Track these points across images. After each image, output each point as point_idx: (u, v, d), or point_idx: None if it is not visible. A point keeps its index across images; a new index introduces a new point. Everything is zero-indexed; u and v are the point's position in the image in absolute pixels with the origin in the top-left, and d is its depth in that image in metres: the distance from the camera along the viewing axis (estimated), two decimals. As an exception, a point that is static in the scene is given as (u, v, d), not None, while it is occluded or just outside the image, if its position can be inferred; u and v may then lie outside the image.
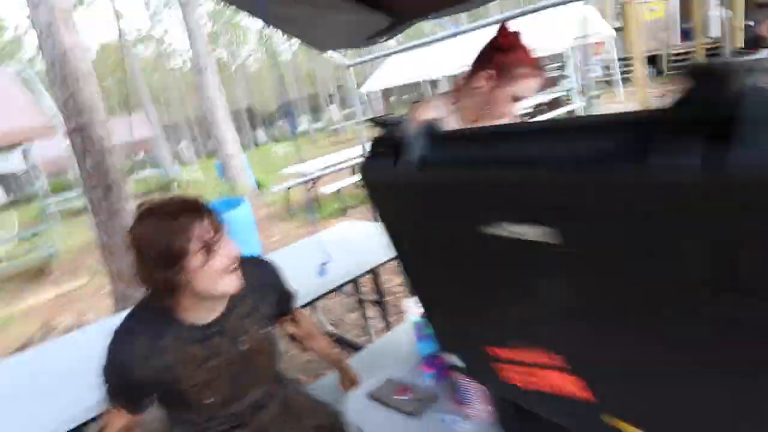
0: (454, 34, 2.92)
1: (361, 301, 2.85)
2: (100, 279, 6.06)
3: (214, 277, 1.09)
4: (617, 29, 13.87)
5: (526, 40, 1.27)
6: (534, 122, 0.73)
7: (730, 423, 0.45)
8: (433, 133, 0.54)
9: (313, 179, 7.30)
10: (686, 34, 12.28)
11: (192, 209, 1.09)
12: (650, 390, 0.49)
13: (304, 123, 30.97)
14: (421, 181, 0.54)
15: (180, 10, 8.64)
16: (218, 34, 32.53)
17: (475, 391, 0.98)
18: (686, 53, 11.31)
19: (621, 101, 10.43)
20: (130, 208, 3.58)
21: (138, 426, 1.25)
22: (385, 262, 2.20)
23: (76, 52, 3.40)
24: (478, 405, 0.98)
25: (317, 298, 2.00)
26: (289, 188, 7.50)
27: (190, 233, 1.06)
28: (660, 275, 0.40)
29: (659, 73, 11.62)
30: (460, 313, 0.68)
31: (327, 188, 6.83)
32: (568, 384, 0.56)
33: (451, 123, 1.37)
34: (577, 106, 9.39)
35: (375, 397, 1.13)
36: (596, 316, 0.49)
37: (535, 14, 2.40)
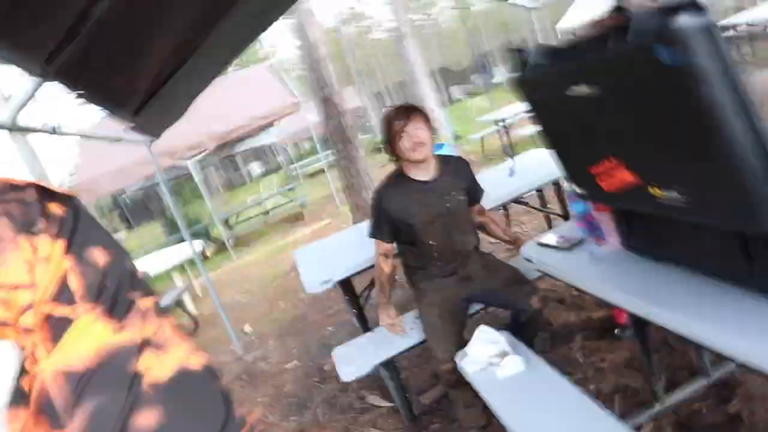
0: None
1: (548, 217, 3.30)
2: (339, 220, 7.72)
3: (406, 150, 1.86)
4: None
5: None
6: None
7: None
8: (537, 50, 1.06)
9: (505, 125, 7.64)
10: None
11: (401, 113, 1.88)
12: (661, 164, 0.95)
13: (498, 74, 30.40)
14: (535, 77, 1.09)
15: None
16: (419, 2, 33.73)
17: (606, 230, 1.45)
18: None
19: None
20: (361, 155, 4.68)
21: (391, 253, 2.06)
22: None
23: (319, 43, 4.55)
24: (610, 238, 1.45)
25: (510, 202, 2.60)
26: (482, 137, 8.03)
27: (394, 125, 1.88)
28: (647, 106, 0.87)
29: None
30: (574, 153, 1.20)
31: (521, 131, 7.10)
32: (627, 176, 1.04)
33: None
34: None
35: (542, 243, 1.68)
36: (628, 133, 0.97)
37: None
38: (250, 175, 29.79)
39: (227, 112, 7.58)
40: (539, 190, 3.11)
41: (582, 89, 0.98)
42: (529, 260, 1.70)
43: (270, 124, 10.06)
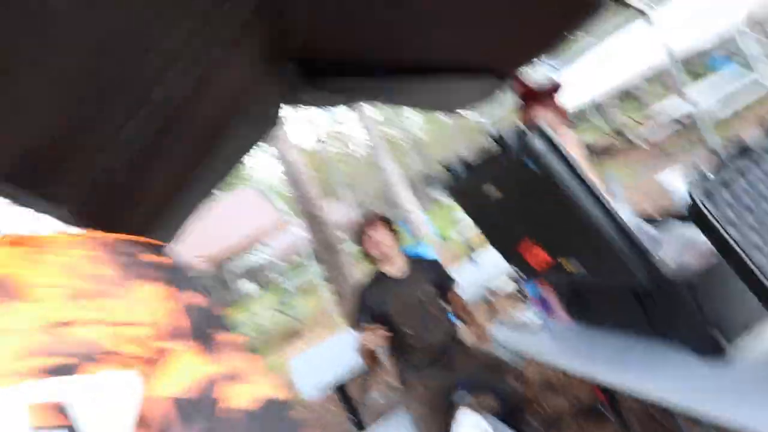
0: None
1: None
2: (336, 330, 7.73)
3: (374, 256, 2.22)
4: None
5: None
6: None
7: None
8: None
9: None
10: None
11: (364, 224, 2.24)
12: (558, 242, 1.21)
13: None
14: (460, 187, 1.39)
15: (356, 111, 10.80)
16: (390, 118, 36.64)
17: (554, 305, 1.67)
18: None
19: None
20: (348, 263, 4.95)
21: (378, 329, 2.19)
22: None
23: (298, 165, 5.06)
24: (558, 312, 1.66)
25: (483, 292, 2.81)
26: (467, 237, 8.43)
27: (361, 237, 2.24)
28: (534, 199, 1.16)
29: None
30: (502, 239, 1.47)
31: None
32: (543, 254, 1.30)
33: None
34: None
35: (508, 325, 1.88)
36: (531, 219, 1.25)
37: None
38: (241, 294, 29.59)
39: (213, 236, 7.96)
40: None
41: (492, 191, 1.27)
42: (501, 345, 1.88)
43: (259, 242, 10.49)
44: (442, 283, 2.33)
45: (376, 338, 2.06)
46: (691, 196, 0.82)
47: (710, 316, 1.05)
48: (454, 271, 2.45)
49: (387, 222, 2.27)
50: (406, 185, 10.31)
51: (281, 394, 0.65)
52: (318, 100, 2.47)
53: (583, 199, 1.03)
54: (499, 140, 1.12)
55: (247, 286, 29.85)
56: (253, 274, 33.01)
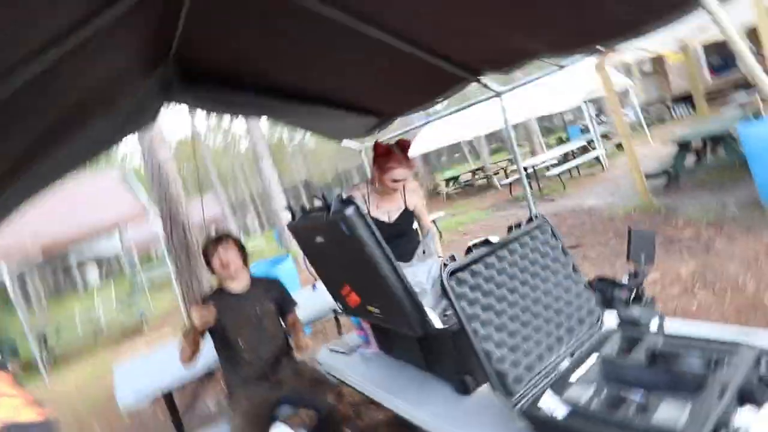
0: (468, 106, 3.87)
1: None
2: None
3: (218, 268, 2.32)
4: (645, 74, 14.65)
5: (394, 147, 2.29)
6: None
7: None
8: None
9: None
10: (717, 69, 12.90)
11: (214, 240, 2.35)
12: (366, 290, 1.47)
13: (357, 189, 32.87)
14: (298, 227, 1.60)
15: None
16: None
17: (370, 336, 1.94)
18: (718, 90, 11.72)
19: (650, 142, 11.03)
20: (206, 274, 4.83)
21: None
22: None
23: (167, 164, 4.86)
24: (372, 342, 1.94)
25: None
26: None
27: (210, 249, 2.32)
28: (348, 255, 1.40)
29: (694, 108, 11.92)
30: (329, 280, 1.70)
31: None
32: (356, 298, 1.55)
33: (371, 196, 2.41)
34: (600, 152, 10.21)
35: (332, 349, 2.10)
36: (347, 269, 1.49)
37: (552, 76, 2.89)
38: (85, 282, 26.42)
39: (63, 218, 7.13)
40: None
41: (320, 238, 1.49)
42: (321, 364, 2.10)
43: (113, 231, 9.57)
44: (282, 302, 2.50)
45: (204, 313, 2.12)
46: (441, 274, 1.11)
47: (463, 363, 1.37)
48: (301, 291, 2.63)
49: (236, 241, 2.39)
50: (282, 195, 10.30)
51: (36, 418, 0.65)
52: (197, 104, 2.46)
53: (382, 264, 1.29)
54: (323, 201, 1.34)
55: (93, 275, 26.75)
56: (102, 263, 29.66)
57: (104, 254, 9.35)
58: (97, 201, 7.86)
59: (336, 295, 1.74)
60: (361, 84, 2.71)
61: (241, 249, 2.42)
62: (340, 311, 1.82)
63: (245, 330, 2.31)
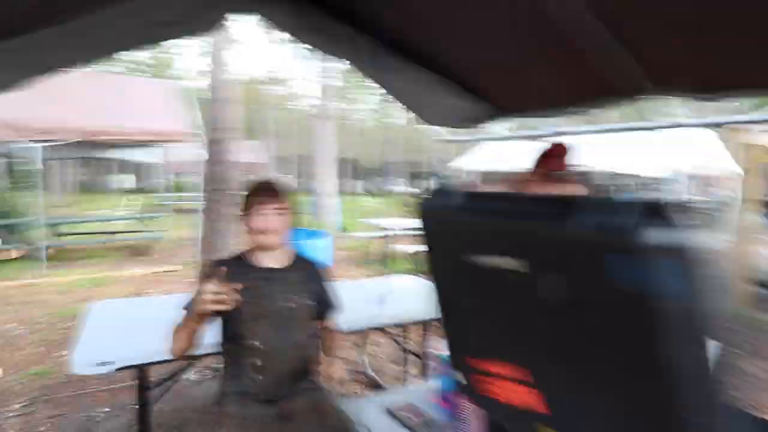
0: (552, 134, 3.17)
1: (405, 351, 3.04)
2: (190, 270, 6.81)
3: (256, 229, 1.56)
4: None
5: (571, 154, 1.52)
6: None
7: None
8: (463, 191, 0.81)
9: (390, 235, 7.68)
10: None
11: (263, 190, 1.59)
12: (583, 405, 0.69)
13: (400, 185, 32.30)
14: (440, 217, 0.82)
15: (320, 63, 9.90)
16: (345, 88, 35.54)
17: (473, 423, 1.17)
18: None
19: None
20: (233, 215, 4.17)
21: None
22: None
23: (230, 85, 4.19)
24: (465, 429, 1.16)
25: (373, 329, 2.26)
26: (370, 238, 7.96)
27: (251, 200, 1.57)
28: (590, 323, 0.62)
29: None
30: (459, 326, 0.93)
31: (403, 247, 7.13)
32: (524, 396, 0.77)
33: None
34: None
35: (393, 412, 1.33)
36: (557, 337, 0.71)
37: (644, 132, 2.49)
38: (118, 186, 26.74)
39: (104, 112, 6.63)
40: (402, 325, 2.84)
41: (498, 259, 0.72)
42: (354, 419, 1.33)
43: (151, 143, 9.12)
44: (322, 300, 1.76)
45: (220, 294, 1.36)
46: None
47: None
48: (343, 287, 1.86)
49: (287, 200, 1.64)
50: (335, 164, 9.61)
51: None
52: (275, 21, 1.82)
53: (688, 373, 0.51)
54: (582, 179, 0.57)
55: (125, 180, 27.05)
56: (141, 171, 30.07)
57: (143, 161, 8.87)
58: (149, 108, 7.34)
59: (459, 361, 0.96)
60: (496, 64, 2.08)
61: (292, 209, 1.67)
62: (456, 382, 1.05)
63: (266, 326, 1.57)
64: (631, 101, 2.19)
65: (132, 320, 2.09)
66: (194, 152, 9.08)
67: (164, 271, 6.66)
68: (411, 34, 1.97)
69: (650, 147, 7.81)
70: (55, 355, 3.55)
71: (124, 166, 30.81)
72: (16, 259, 6.96)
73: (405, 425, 1.26)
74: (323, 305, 1.77)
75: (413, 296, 2.57)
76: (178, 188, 17.37)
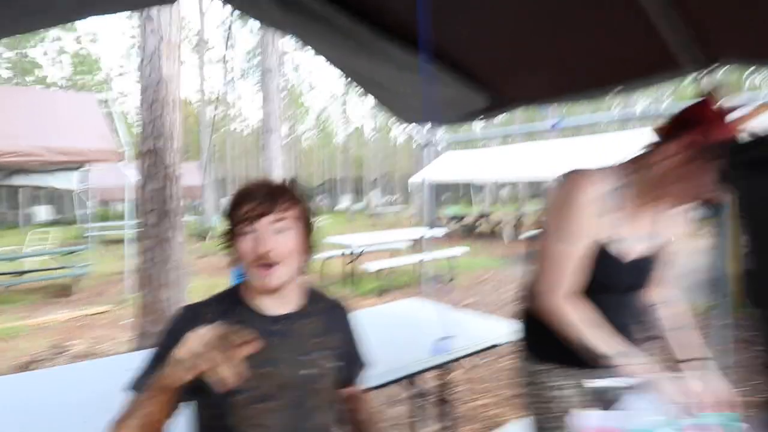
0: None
1: (415, 396, 2.42)
2: (123, 310, 5.80)
3: (245, 265, 0.98)
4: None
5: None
6: None
7: None
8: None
9: (354, 253, 7.09)
10: None
11: (260, 194, 0.97)
12: None
13: (344, 202, 31.67)
14: None
15: (258, 77, 9.22)
16: (283, 108, 34.81)
17: None
18: None
19: None
20: (177, 241, 3.40)
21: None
22: (465, 356, 1.84)
23: (173, 81, 3.47)
24: None
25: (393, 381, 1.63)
26: (326, 258, 7.30)
27: (238, 210, 0.96)
28: None
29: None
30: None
31: (369, 265, 6.56)
32: None
33: (618, 199, 1.12)
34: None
35: None
36: None
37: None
38: (30, 219, 23.98)
39: (9, 130, 5.57)
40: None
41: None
42: None
43: (75, 166, 7.98)
44: (348, 356, 1.14)
45: (229, 360, 0.77)
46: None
47: None
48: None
49: (303, 207, 1.03)
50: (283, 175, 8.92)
51: None
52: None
53: None
54: None
55: (41, 213, 24.40)
56: (57, 201, 27.33)
57: (59, 187, 7.68)
58: (66, 124, 6.33)
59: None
60: (497, 42, 1.80)
61: (308, 226, 1.05)
62: None
63: (276, 407, 0.96)
64: (685, 75, 1.84)
65: (56, 405, 1.35)
66: (120, 174, 8.04)
67: (92, 314, 5.60)
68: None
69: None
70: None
71: (37, 197, 27.93)
72: None
73: None
74: (351, 363, 1.16)
75: (424, 326, 2.00)
76: (103, 217, 15.72)
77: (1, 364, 3.95)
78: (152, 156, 3.34)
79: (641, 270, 1.17)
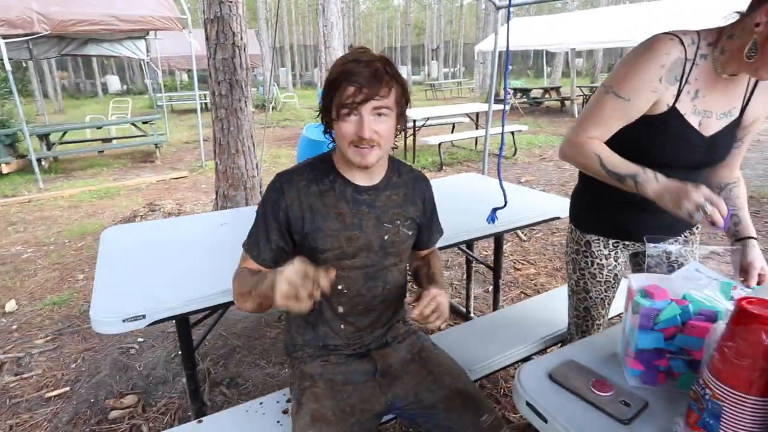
0: None
1: (469, 262, 2.63)
2: (197, 175, 6.32)
3: (341, 140, 1.04)
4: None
5: None
6: None
7: None
8: None
9: (414, 127, 7.06)
10: None
11: (362, 75, 0.97)
12: None
13: (402, 73, 30.34)
14: None
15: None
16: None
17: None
18: None
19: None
20: (248, 111, 3.55)
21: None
22: (518, 228, 1.95)
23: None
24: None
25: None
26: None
27: (341, 90, 0.99)
28: None
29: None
30: None
31: (429, 139, 6.55)
32: None
33: (700, 68, 1.05)
34: None
35: (561, 381, 0.91)
36: None
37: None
38: (105, 88, 25.16)
39: (81, 0, 5.64)
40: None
41: None
42: (530, 406, 0.91)
43: (140, 35, 8.08)
44: (423, 227, 1.27)
45: (308, 281, 0.85)
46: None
47: None
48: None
49: (398, 87, 1.04)
50: (341, 49, 8.61)
51: None
52: None
53: None
54: None
55: (113, 82, 25.39)
56: (127, 71, 28.19)
57: (126, 55, 7.91)
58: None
59: None
60: None
61: (403, 108, 1.08)
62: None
63: (353, 265, 1.13)
64: None
65: (158, 251, 1.64)
66: (184, 43, 8.09)
67: (172, 179, 6.17)
68: None
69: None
70: (71, 280, 3.20)
71: (107, 67, 28.89)
72: (7, 174, 6.45)
73: (590, 401, 0.84)
74: (429, 229, 1.30)
75: (483, 200, 2.09)
76: (170, 87, 16.19)
77: (112, 215, 4.58)
78: (219, 23, 3.34)
79: (717, 147, 1.14)
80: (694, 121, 1.09)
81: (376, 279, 1.16)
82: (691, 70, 1.05)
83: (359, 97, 0.98)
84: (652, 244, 1.00)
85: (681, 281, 0.93)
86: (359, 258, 1.12)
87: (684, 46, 1.04)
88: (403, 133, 1.14)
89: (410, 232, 1.20)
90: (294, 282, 0.84)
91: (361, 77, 0.97)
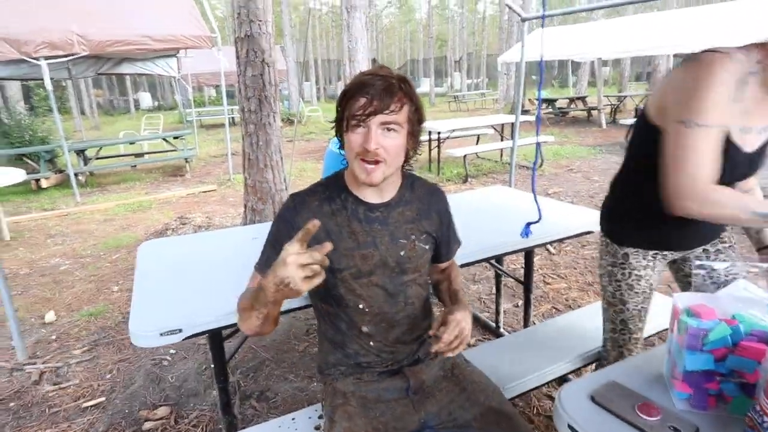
0: None
1: (498, 276, 2.60)
2: (225, 189, 6.45)
3: (349, 152, 1.05)
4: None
5: None
6: None
7: None
8: None
9: (439, 139, 7.06)
10: None
11: (372, 91, 0.99)
12: None
13: (425, 85, 30.50)
14: None
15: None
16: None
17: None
18: None
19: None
20: (276, 126, 3.62)
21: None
22: (549, 243, 1.91)
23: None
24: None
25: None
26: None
27: (349, 101, 1.02)
28: None
29: None
30: None
31: (453, 151, 6.53)
32: None
33: (749, 86, 1.02)
34: None
35: (605, 404, 0.88)
36: None
37: None
38: (138, 105, 26.09)
39: (113, 19, 5.89)
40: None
41: None
42: (572, 429, 0.89)
43: (172, 54, 8.36)
44: (442, 236, 1.25)
45: (305, 259, 0.79)
46: None
47: None
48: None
49: (410, 104, 1.04)
50: (366, 62, 8.71)
51: None
52: None
53: None
54: None
55: (145, 99, 26.31)
56: (157, 88, 29.14)
57: (158, 73, 8.17)
58: (156, 11, 6.53)
59: None
60: None
61: (416, 126, 1.08)
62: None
63: (374, 282, 1.12)
64: None
65: (192, 265, 1.67)
66: (213, 60, 8.32)
67: (201, 192, 6.31)
68: None
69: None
70: (106, 292, 3.30)
71: (139, 84, 29.93)
72: (46, 188, 6.72)
73: (636, 426, 0.81)
74: (446, 243, 1.28)
75: (510, 212, 2.06)
76: (199, 102, 16.63)
77: (145, 228, 4.71)
78: (249, 41, 3.43)
79: (756, 163, 1.11)
80: (738, 138, 1.06)
81: (396, 296, 1.15)
82: (743, 88, 1.03)
83: (369, 109, 0.98)
84: (698, 262, 0.97)
85: (728, 300, 0.90)
86: (376, 275, 1.12)
87: (737, 64, 1.01)
88: (415, 152, 1.11)
89: (427, 246, 1.19)
90: (294, 257, 0.79)
91: (374, 90, 0.98)
